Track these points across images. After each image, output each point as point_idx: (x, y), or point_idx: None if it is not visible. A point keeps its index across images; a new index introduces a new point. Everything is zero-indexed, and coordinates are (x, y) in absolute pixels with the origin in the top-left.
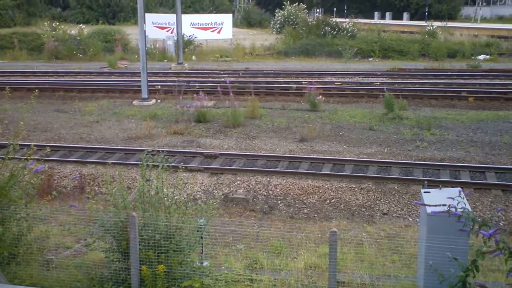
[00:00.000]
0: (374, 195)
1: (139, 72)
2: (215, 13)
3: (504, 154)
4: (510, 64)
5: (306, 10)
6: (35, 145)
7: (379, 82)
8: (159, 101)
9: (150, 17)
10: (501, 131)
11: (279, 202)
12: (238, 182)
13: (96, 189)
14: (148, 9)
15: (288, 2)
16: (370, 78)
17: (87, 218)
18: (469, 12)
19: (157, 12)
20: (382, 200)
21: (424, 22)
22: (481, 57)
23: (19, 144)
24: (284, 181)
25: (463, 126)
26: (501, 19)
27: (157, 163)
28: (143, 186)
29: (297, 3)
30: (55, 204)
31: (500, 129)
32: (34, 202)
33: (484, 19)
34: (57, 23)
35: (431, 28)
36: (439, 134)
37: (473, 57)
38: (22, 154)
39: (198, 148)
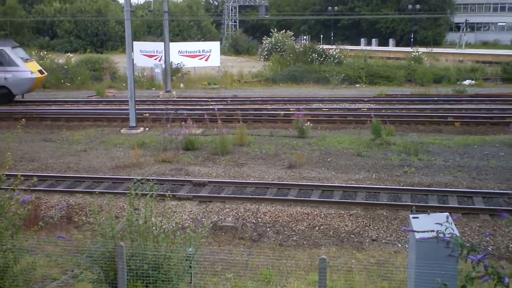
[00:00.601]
0: (363, 221)
1: (127, 100)
2: (202, 41)
3: (491, 178)
4: (495, 89)
5: (293, 37)
6: (22, 175)
7: (366, 108)
8: (147, 129)
9: (138, 45)
10: (488, 156)
11: (268, 229)
12: (227, 209)
13: (84, 219)
14: (136, 37)
15: (275, 30)
16: (357, 104)
17: (74, 249)
18: (454, 38)
19: (145, 40)
20: (371, 226)
21: (409, 48)
22: (467, 82)
23: (6, 174)
24: (273, 208)
25: (450, 151)
26: (485, 44)
27: (146, 192)
28: (131, 215)
29: (284, 31)
30: (42, 234)
31: (487, 153)
32: (21, 233)
33: (468, 45)
34: (45, 52)
35: (417, 54)
36: (426, 159)
37: (458, 83)
38: (9, 185)
39: (186, 176)
